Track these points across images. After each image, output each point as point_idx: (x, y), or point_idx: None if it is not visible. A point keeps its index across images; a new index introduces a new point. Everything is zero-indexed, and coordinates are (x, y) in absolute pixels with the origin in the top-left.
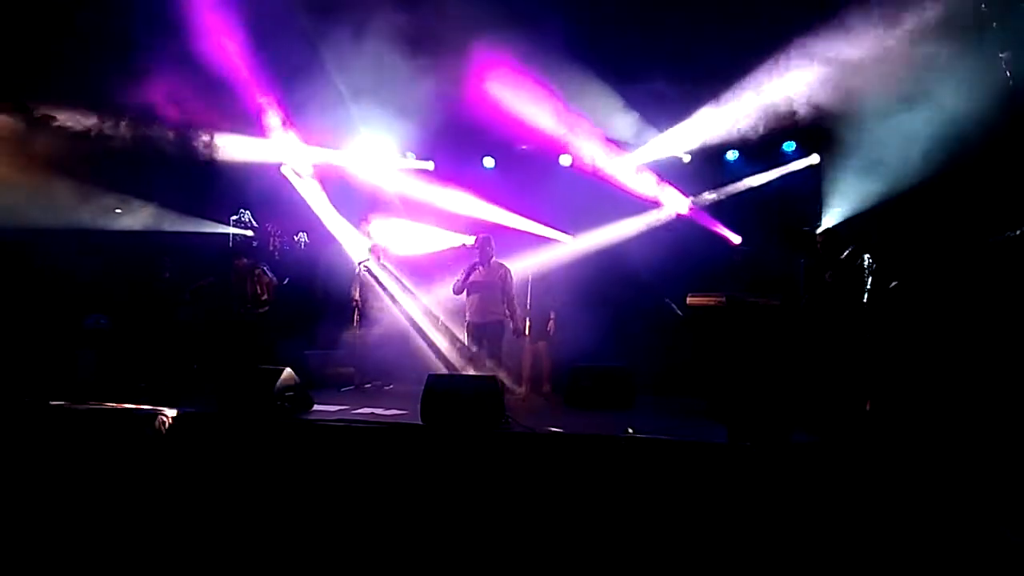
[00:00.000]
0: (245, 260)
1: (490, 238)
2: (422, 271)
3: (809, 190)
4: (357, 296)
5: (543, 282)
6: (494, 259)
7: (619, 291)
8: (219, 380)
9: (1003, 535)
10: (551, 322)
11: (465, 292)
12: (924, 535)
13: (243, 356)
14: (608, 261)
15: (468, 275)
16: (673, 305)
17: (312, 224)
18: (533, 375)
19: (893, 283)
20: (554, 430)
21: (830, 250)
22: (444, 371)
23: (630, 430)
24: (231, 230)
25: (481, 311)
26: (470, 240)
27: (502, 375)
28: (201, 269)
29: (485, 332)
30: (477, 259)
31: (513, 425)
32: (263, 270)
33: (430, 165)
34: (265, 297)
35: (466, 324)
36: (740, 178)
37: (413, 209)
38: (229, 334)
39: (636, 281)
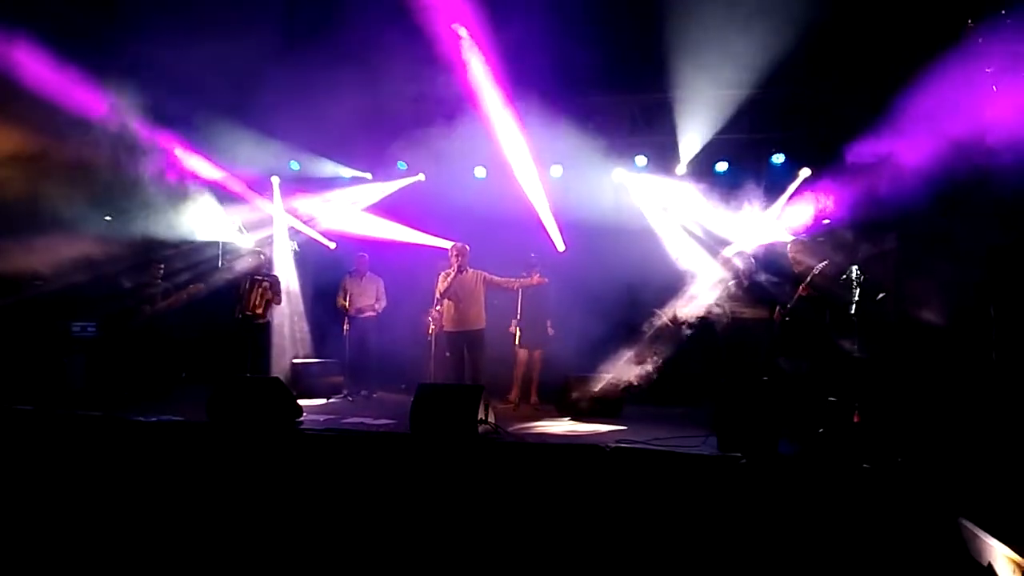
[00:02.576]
0: (262, 270)
1: (465, 247)
2: (403, 280)
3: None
4: (345, 304)
5: (535, 290)
6: (470, 269)
7: (610, 300)
8: (210, 389)
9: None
10: (550, 329)
11: (440, 301)
12: (913, 546)
13: (236, 364)
14: (600, 270)
15: (449, 284)
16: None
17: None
18: (524, 383)
19: (880, 295)
20: (543, 439)
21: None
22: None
23: (611, 445)
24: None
25: (458, 320)
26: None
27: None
28: (192, 276)
29: (464, 341)
30: (453, 268)
31: (502, 435)
32: (268, 286)
33: (421, 177)
34: (260, 311)
35: (441, 332)
36: (731, 189)
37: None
38: (225, 340)
39: (627, 290)
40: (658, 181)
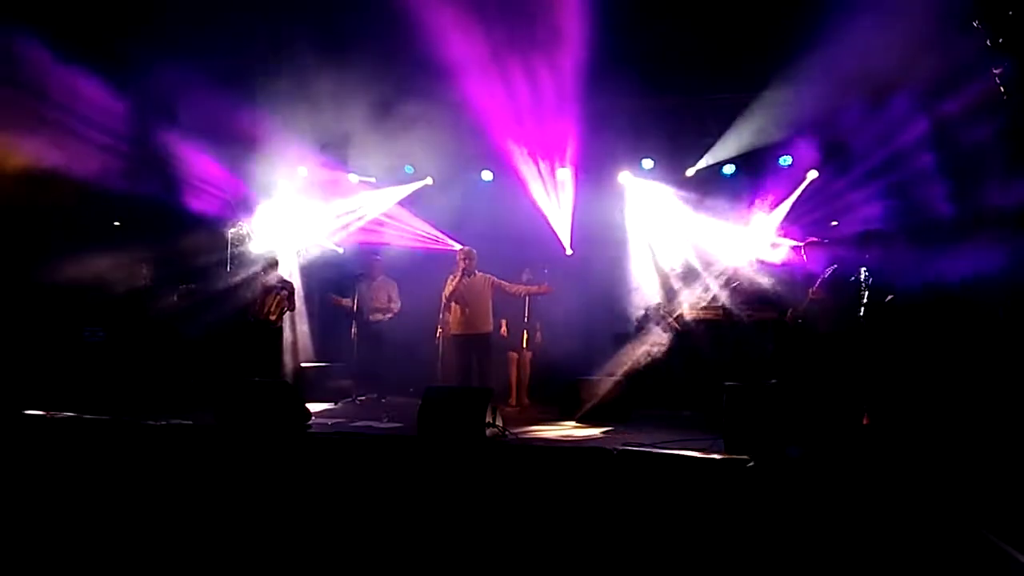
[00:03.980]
0: (279, 276)
1: (472, 251)
2: (411, 283)
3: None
4: (351, 305)
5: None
6: (478, 272)
7: (616, 302)
8: (218, 392)
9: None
10: (538, 332)
11: (447, 304)
12: (923, 550)
13: (246, 368)
14: (605, 273)
15: (455, 288)
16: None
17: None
18: (517, 385)
19: (889, 297)
20: (550, 443)
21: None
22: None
23: (618, 448)
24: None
25: (466, 323)
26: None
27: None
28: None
29: (472, 344)
30: (459, 271)
31: (509, 438)
32: (286, 295)
33: (429, 181)
34: (274, 317)
35: (448, 336)
36: (737, 191)
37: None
38: (235, 344)
39: (632, 293)
40: (664, 185)
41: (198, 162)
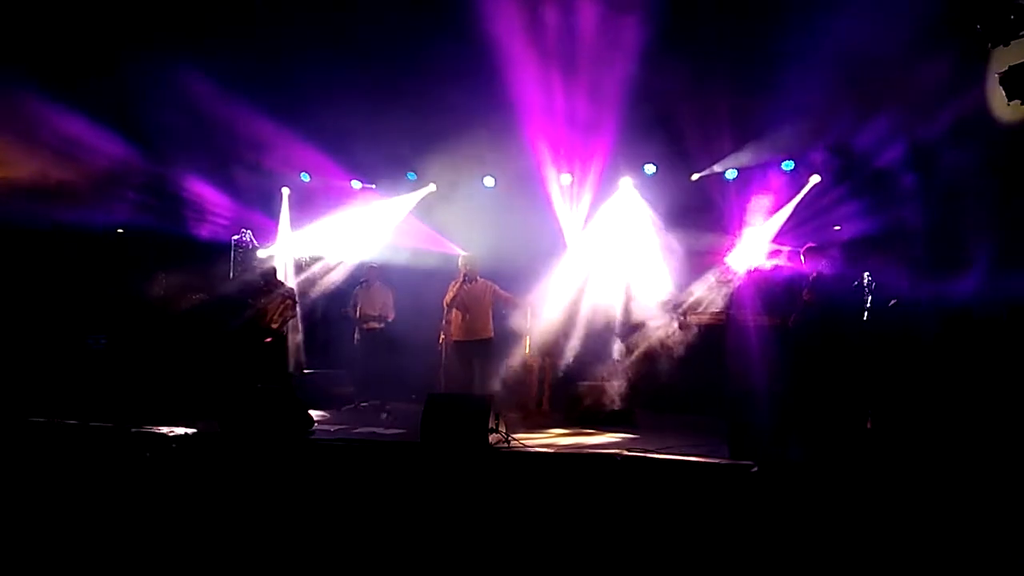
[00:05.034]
0: (283, 285)
1: (474, 257)
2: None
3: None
4: (356, 314)
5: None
6: (479, 279)
7: (618, 306)
8: (223, 400)
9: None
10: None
11: (448, 310)
12: (928, 555)
13: (249, 375)
14: (606, 277)
15: (456, 294)
16: None
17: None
18: (536, 393)
19: (892, 301)
20: (554, 449)
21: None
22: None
23: (622, 453)
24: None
25: (467, 329)
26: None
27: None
28: (195, 285)
29: (473, 350)
30: (460, 277)
31: (513, 444)
32: (292, 302)
33: (432, 187)
34: (276, 326)
35: (450, 342)
36: (739, 195)
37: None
38: (239, 351)
39: (635, 297)
40: (656, 196)
41: (203, 187)
